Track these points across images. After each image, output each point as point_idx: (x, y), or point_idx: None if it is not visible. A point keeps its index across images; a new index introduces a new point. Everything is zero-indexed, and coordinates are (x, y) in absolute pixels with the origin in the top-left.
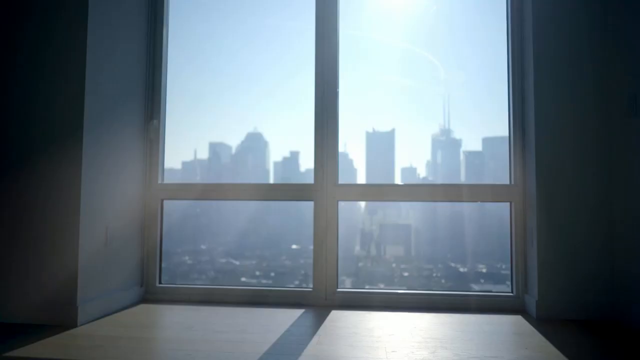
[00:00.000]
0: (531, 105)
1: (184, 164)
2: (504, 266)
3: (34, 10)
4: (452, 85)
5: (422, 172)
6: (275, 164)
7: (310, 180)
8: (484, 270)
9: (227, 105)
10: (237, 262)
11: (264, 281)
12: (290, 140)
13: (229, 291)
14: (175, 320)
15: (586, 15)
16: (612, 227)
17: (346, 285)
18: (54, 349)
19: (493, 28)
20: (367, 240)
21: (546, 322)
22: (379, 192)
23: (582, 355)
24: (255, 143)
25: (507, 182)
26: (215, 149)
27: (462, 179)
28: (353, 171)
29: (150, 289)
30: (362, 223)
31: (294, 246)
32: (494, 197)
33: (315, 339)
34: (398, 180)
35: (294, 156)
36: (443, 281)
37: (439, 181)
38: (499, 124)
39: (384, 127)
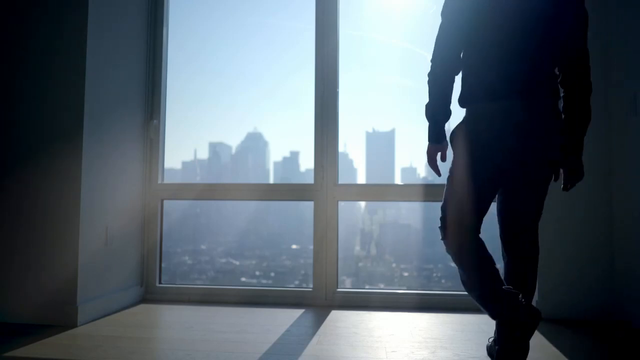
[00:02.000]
0: None
1: (184, 164)
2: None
3: (35, 11)
4: None
5: (422, 172)
6: (275, 164)
7: (310, 180)
8: None
9: (227, 105)
10: (237, 262)
11: (264, 281)
12: (290, 140)
13: (229, 291)
14: (175, 320)
15: None
16: (612, 227)
17: (346, 285)
18: (54, 349)
19: None
20: (367, 240)
21: (546, 322)
22: (379, 192)
23: (582, 355)
24: (255, 143)
25: None
26: (215, 149)
27: None
28: (353, 171)
29: (150, 289)
30: (362, 223)
31: (294, 246)
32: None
33: (315, 339)
34: (398, 180)
35: (294, 156)
36: (443, 281)
37: (439, 181)
38: None
39: (384, 127)
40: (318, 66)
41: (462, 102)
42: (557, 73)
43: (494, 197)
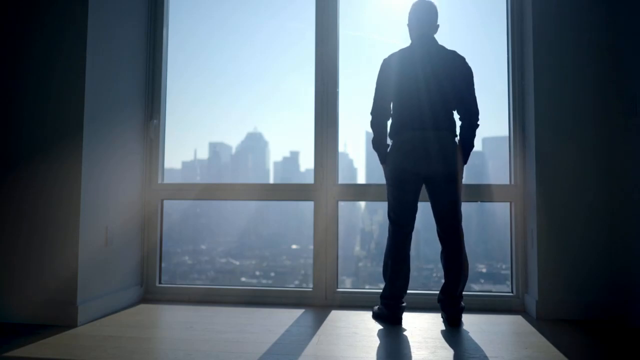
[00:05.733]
0: (531, 104)
1: (184, 164)
2: (504, 266)
3: (35, 11)
4: None
5: None
6: (275, 164)
7: (310, 180)
8: (484, 270)
9: (227, 105)
10: (237, 262)
11: (264, 281)
12: (290, 140)
13: (229, 291)
14: (175, 320)
15: (587, 15)
16: (612, 227)
17: (346, 285)
18: (54, 349)
19: (493, 28)
20: (367, 240)
21: (546, 322)
22: (378, 192)
23: (582, 355)
24: (255, 143)
25: (507, 182)
26: (215, 149)
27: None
28: (353, 171)
29: (150, 289)
30: (362, 223)
31: (294, 246)
32: (494, 197)
33: (315, 339)
34: None
35: (294, 156)
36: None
37: None
38: (499, 124)
39: None
40: (318, 66)
41: (390, 136)
42: (457, 114)
43: (415, 193)
